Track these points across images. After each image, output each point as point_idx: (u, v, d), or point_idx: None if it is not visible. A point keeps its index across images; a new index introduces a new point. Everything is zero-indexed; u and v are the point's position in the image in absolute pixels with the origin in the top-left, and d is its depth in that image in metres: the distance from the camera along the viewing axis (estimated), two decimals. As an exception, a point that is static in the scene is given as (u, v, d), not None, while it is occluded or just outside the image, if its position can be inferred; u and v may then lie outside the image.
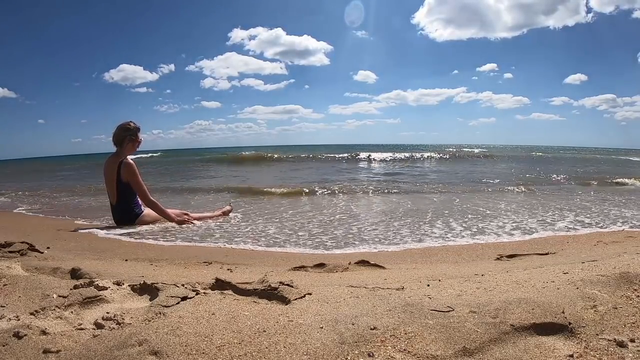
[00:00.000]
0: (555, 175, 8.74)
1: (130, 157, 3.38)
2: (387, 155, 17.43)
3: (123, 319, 0.95)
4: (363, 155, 17.59)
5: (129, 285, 1.22)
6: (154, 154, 26.26)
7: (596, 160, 17.65)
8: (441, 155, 18.18)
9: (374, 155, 17.16)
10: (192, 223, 3.35)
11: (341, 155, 17.49)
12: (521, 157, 19.24)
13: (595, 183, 7.09)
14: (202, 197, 5.66)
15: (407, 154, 18.24)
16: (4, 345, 0.83)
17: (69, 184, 8.32)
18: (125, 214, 3.30)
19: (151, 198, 3.34)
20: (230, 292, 1.18)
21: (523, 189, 5.91)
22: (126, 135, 3.29)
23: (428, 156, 17.60)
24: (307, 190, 5.79)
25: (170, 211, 3.40)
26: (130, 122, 3.34)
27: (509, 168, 12.33)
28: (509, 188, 6.10)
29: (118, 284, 1.23)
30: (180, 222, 3.31)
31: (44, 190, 6.92)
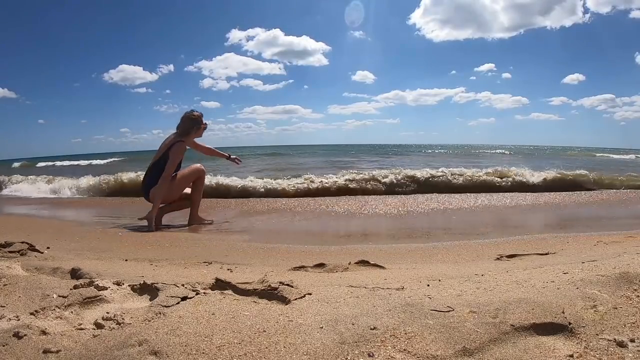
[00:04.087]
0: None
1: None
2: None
3: (123, 319, 0.95)
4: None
5: (129, 285, 1.22)
6: (116, 159, 25.08)
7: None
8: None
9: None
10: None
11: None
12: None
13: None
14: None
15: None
16: (4, 345, 0.83)
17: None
18: (149, 179, 3.40)
19: (169, 176, 3.36)
20: (230, 292, 1.18)
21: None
22: (193, 126, 3.41)
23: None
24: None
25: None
26: (193, 111, 3.45)
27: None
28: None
29: (118, 284, 1.23)
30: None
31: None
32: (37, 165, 20.37)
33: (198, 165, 3.52)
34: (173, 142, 3.36)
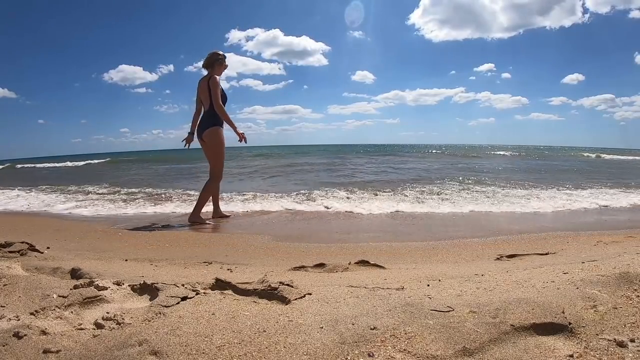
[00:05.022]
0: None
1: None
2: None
3: (123, 319, 0.95)
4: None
5: (129, 285, 1.22)
6: (101, 160, 23.37)
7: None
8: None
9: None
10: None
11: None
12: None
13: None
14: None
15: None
16: (4, 345, 0.83)
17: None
18: (209, 118, 3.70)
19: (222, 104, 3.67)
20: (230, 292, 1.18)
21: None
22: (216, 59, 3.78)
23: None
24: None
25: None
26: (218, 51, 3.85)
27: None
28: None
29: (118, 284, 1.23)
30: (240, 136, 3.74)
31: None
32: (17, 166, 19.60)
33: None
34: (206, 79, 3.71)
